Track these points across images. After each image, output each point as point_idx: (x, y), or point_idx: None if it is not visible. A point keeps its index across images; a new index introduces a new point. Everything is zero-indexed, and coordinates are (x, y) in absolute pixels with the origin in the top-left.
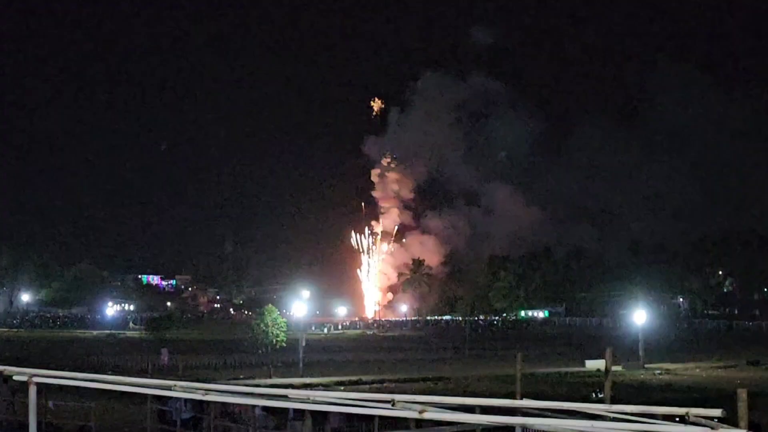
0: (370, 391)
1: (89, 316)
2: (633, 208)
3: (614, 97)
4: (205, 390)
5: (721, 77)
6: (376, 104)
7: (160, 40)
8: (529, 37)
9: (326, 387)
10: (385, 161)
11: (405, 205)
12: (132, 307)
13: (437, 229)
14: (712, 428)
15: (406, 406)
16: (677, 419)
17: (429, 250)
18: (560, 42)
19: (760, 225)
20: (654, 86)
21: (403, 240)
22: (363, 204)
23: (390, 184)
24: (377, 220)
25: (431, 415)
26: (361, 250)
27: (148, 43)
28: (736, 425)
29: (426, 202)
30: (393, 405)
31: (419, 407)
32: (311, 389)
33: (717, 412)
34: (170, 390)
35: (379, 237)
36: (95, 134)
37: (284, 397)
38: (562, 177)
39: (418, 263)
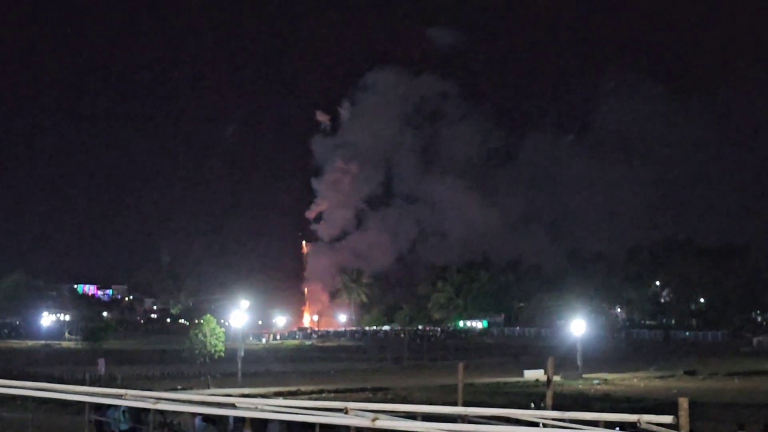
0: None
1: (23, 326)
2: (574, 217)
3: (566, 107)
4: (156, 398)
5: (668, 89)
6: (322, 116)
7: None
8: (485, 44)
9: (264, 398)
10: (340, 164)
11: (352, 207)
12: (68, 317)
13: (383, 230)
14: None
15: (359, 413)
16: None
17: (374, 253)
18: (514, 49)
19: (696, 235)
20: (604, 97)
21: (344, 243)
22: (306, 208)
23: (337, 186)
24: (320, 222)
25: (384, 423)
26: (303, 255)
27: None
28: None
29: (373, 203)
30: (346, 413)
31: (372, 415)
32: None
33: (668, 419)
34: (120, 398)
35: (322, 240)
36: (27, 143)
37: (232, 406)
38: (509, 184)
39: (357, 273)
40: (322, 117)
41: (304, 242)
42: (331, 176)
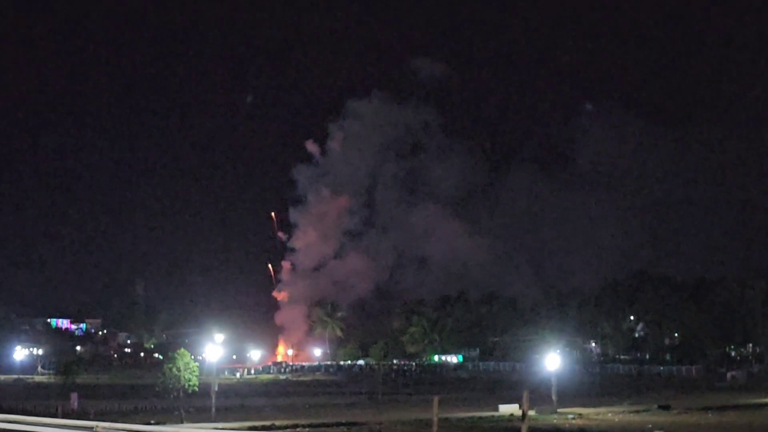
0: None
1: None
2: (551, 251)
3: (546, 141)
4: (128, 431)
5: (647, 123)
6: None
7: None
8: (467, 76)
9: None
10: (327, 194)
11: (332, 236)
12: (41, 351)
13: (362, 259)
14: None
15: None
16: None
17: (352, 281)
18: (496, 83)
19: (671, 269)
20: (583, 131)
21: (323, 270)
22: (282, 238)
23: (320, 216)
24: (299, 252)
25: None
26: (275, 285)
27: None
28: None
29: (353, 232)
30: None
31: None
32: None
33: None
34: (92, 431)
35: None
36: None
37: None
38: (488, 218)
39: (332, 307)
40: (312, 147)
41: (278, 264)
42: (312, 205)
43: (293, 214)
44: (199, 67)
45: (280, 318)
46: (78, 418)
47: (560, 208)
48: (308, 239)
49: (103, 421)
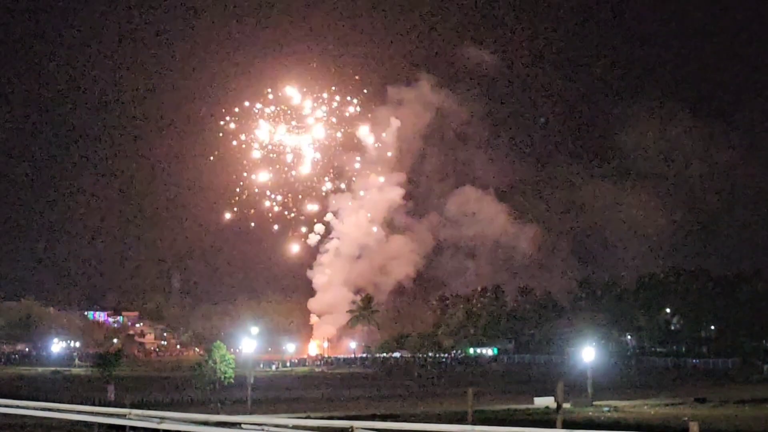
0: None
1: (34, 353)
2: (588, 244)
3: (588, 133)
4: (160, 418)
5: (686, 115)
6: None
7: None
8: (514, 67)
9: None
10: (374, 180)
11: (373, 222)
12: (78, 344)
13: (403, 244)
14: None
15: None
16: None
17: (392, 268)
18: (543, 75)
19: (706, 262)
20: (624, 125)
21: (363, 257)
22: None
23: (361, 202)
24: (337, 237)
25: None
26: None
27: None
28: None
29: (394, 220)
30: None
31: None
32: None
33: None
34: (125, 418)
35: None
36: (38, 166)
37: (237, 425)
38: (529, 210)
39: (367, 299)
40: (364, 134)
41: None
42: (356, 191)
43: (336, 200)
44: (235, 47)
45: (315, 305)
46: None
47: (599, 200)
48: (351, 224)
49: None
